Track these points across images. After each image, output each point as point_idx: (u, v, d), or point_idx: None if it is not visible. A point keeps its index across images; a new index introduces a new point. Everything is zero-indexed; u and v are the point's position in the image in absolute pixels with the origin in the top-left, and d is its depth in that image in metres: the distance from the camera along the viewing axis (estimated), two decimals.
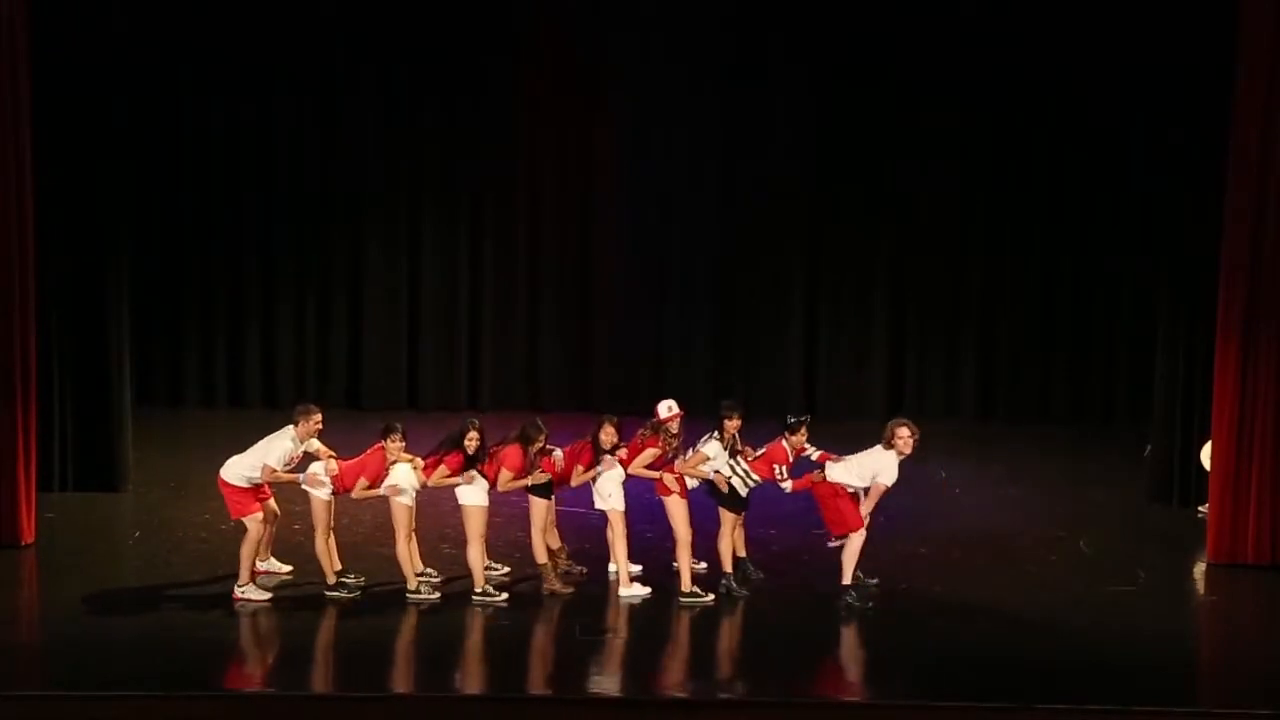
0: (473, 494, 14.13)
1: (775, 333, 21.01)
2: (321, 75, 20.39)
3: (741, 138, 20.62)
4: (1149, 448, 17.82)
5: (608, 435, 14.22)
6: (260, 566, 14.41)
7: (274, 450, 14.08)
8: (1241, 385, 15.34)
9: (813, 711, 12.42)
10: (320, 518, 14.15)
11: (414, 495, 14.12)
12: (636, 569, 14.52)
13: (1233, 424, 15.40)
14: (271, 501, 14.40)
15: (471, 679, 13.17)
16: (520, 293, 21.04)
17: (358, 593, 14.19)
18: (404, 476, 14.07)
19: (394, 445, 14.10)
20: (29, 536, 15.45)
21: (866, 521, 14.20)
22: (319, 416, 14.25)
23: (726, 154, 20.72)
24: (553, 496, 14.55)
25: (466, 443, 14.05)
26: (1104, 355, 20.95)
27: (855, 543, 14.16)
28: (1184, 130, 16.85)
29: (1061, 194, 20.62)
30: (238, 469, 14.15)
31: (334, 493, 14.19)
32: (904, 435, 14.24)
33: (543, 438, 14.21)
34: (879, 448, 14.25)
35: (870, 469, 14.18)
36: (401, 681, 13.17)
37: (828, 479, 14.18)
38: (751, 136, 20.60)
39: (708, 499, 14.55)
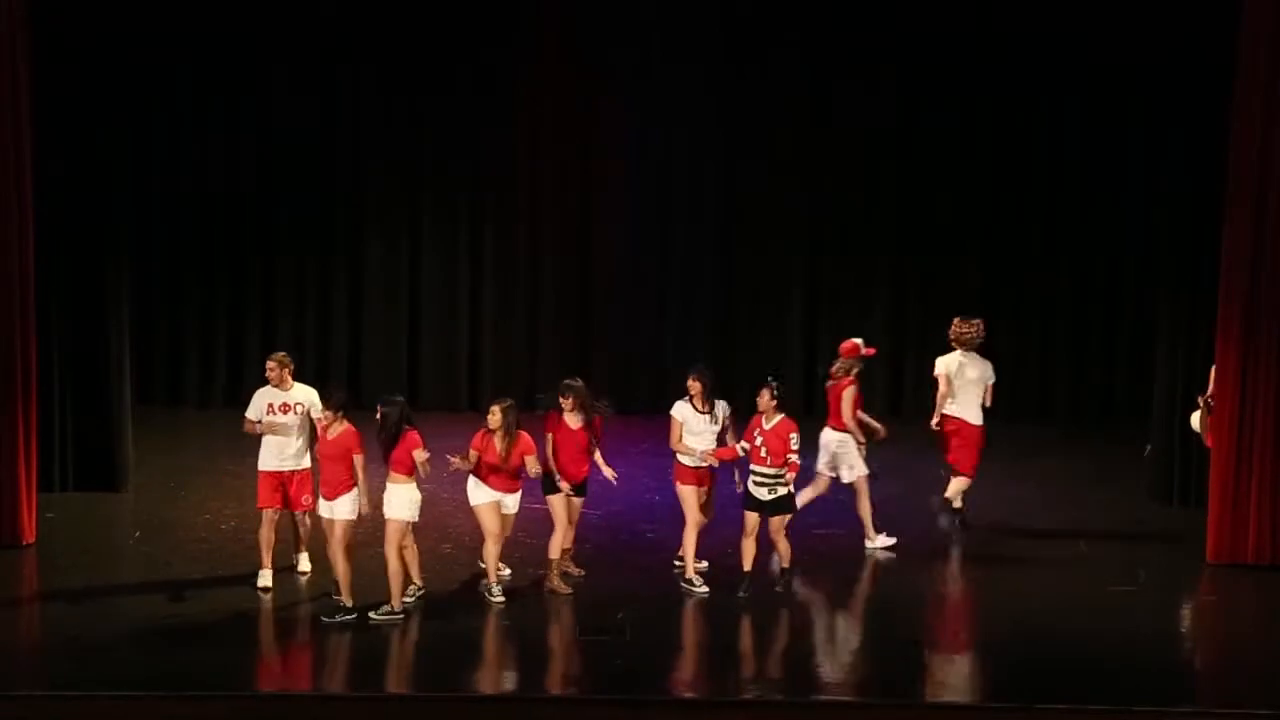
0: (476, 493, 14.12)
1: (776, 332, 21.00)
2: (321, 75, 20.39)
3: (741, 137, 20.61)
4: (1149, 447, 17.83)
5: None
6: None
7: (252, 404, 14.41)
8: (1241, 385, 15.34)
9: (812, 711, 12.43)
10: (337, 535, 14.02)
11: (405, 512, 13.89)
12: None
13: (1233, 424, 15.40)
14: (305, 516, 14.47)
15: (472, 679, 13.16)
16: (520, 293, 21.03)
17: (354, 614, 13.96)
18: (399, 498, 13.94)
19: (326, 412, 14.03)
20: (29, 536, 15.45)
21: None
22: (276, 358, 14.52)
23: (726, 154, 20.71)
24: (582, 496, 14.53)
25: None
26: (1104, 355, 20.95)
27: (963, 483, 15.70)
28: (1184, 129, 16.85)
29: (1061, 193, 20.61)
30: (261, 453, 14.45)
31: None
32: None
33: (504, 411, 14.03)
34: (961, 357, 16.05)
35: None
36: (401, 681, 13.17)
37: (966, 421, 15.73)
38: (751, 136, 20.59)
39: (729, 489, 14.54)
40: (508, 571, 14.64)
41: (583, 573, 14.75)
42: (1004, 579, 15.11)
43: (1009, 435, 20.17)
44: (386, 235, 20.87)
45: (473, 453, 14.02)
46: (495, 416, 14.03)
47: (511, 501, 14.23)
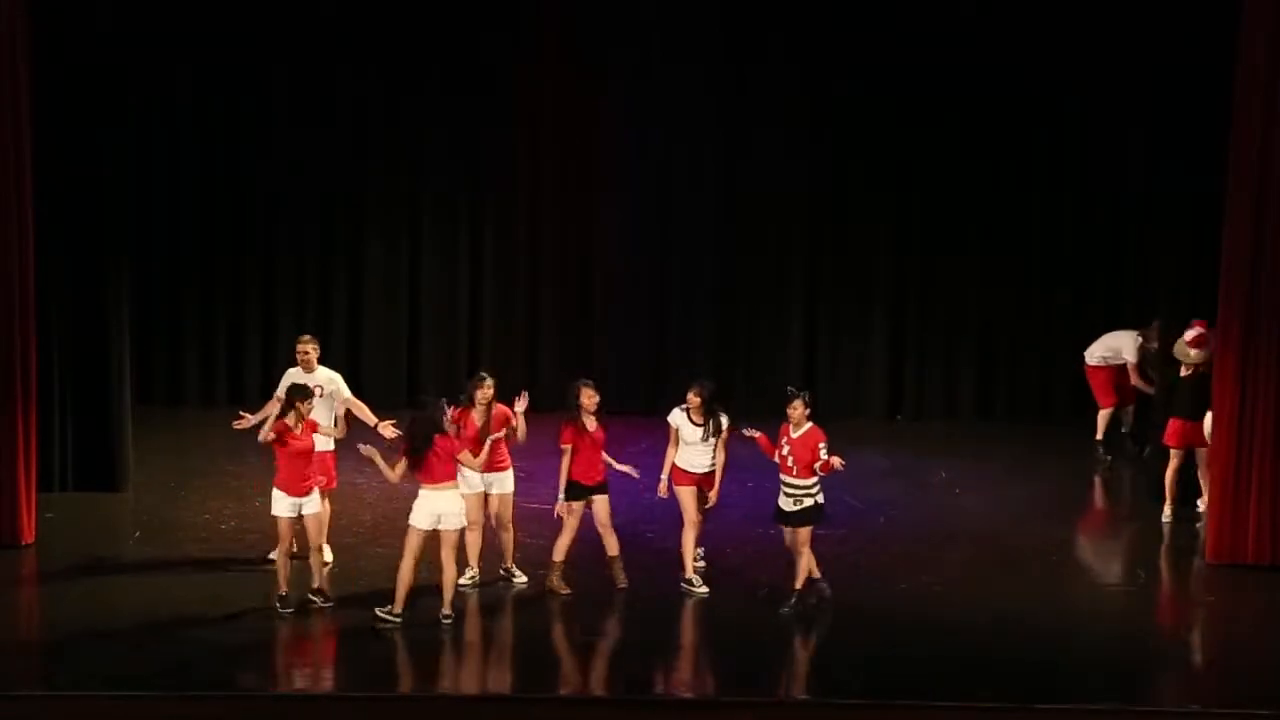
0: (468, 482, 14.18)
1: (776, 332, 20.98)
2: (322, 74, 20.38)
3: (741, 138, 20.60)
4: (1148, 448, 17.83)
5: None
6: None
7: (280, 386, 14.71)
8: (1241, 385, 15.33)
9: (812, 711, 12.43)
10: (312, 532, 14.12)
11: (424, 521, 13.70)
12: None
13: (1233, 424, 15.39)
14: (326, 500, 14.50)
15: (471, 679, 13.16)
16: (520, 293, 21.02)
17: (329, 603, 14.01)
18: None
19: (307, 404, 14.11)
20: (29, 536, 15.44)
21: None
22: (303, 340, 15.04)
23: (727, 154, 20.70)
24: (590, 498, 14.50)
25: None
26: None
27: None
28: (1184, 130, 16.85)
29: (1061, 194, 20.61)
30: None
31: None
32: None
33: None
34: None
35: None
36: (402, 681, 13.16)
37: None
38: (751, 136, 20.58)
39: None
40: (522, 578, 14.61)
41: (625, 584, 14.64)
42: (1003, 579, 15.10)
43: (1009, 435, 20.24)
44: (386, 235, 20.86)
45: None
46: (489, 390, 14.13)
47: (505, 480, 14.29)
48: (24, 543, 15.38)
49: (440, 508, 13.54)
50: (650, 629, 13.81)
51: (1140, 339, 18.59)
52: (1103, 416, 19.02)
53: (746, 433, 14.22)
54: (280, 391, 14.66)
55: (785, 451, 13.97)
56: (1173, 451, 16.56)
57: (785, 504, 14.03)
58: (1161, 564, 15.91)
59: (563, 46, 20.42)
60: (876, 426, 20.46)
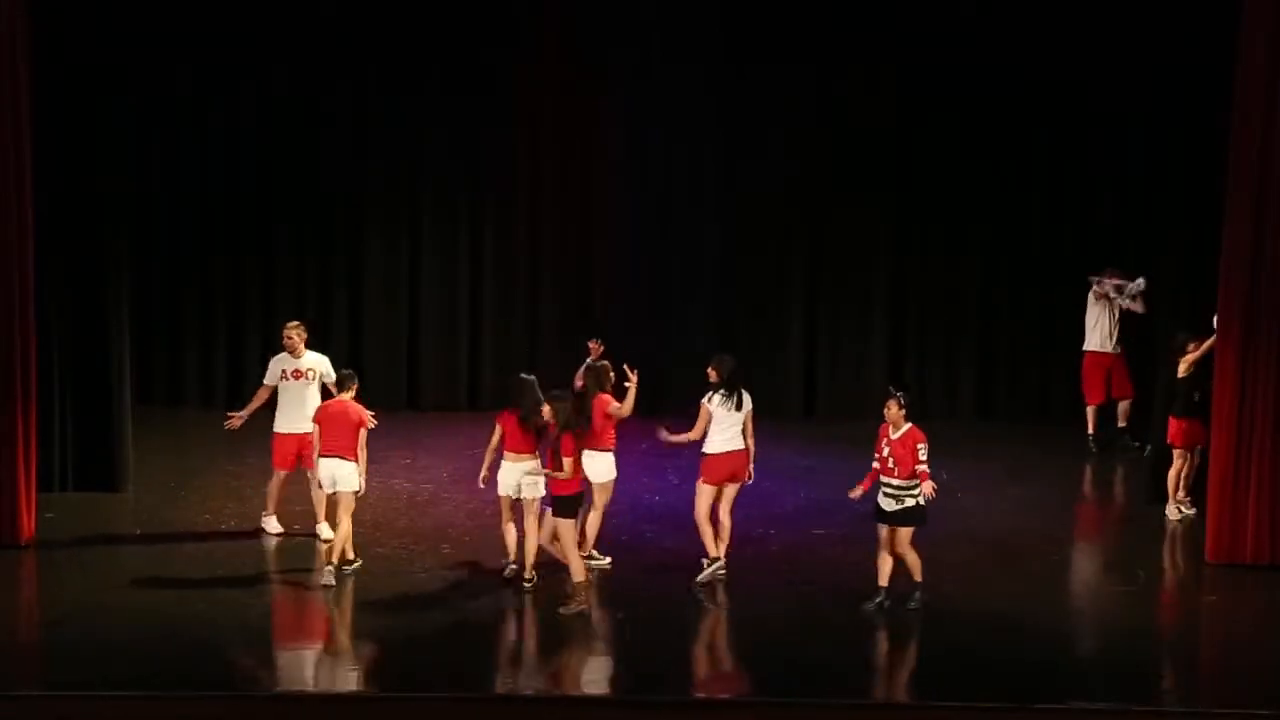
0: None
1: (776, 332, 20.99)
2: (321, 75, 20.39)
3: (741, 138, 20.62)
4: (1149, 448, 17.83)
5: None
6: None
7: (269, 371, 15.46)
8: (1241, 385, 15.33)
9: (813, 711, 12.42)
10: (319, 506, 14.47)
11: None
12: None
13: (1232, 424, 15.39)
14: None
15: (472, 679, 13.16)
16: (520, 293, 21.04)
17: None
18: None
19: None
20: (29, 536, 15.44)
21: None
22: (290, 326, 15.55)
23: (727, 154, 20.71)
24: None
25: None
26: None
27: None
28: (1184, 130, 16.85)
29: (1061, 193, 20.62)
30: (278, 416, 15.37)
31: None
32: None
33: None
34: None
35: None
36: (401, 681, 13.15)
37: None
38: (751, 136, 20.59)
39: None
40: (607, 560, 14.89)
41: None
42: (1003, 579, 15.10)
43: (1009, 435, 20.25)
44: (386, 235, 20.87)
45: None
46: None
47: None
48: (24, 542, 15.38)
49: (518, 477, 14.17)
50: (651, 629, 13.81)
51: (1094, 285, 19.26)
52: (1090, 413, 19.29)
53: (852, 495, 14.21)
54: (269, 378, 15.27)
55: (885, 452, 13.97)
56: (1176, 451, 16.55)
57: (886, 504, 14.02)
58: (1161, 564, 15.90)
59: (563, 46, 20.43)
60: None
